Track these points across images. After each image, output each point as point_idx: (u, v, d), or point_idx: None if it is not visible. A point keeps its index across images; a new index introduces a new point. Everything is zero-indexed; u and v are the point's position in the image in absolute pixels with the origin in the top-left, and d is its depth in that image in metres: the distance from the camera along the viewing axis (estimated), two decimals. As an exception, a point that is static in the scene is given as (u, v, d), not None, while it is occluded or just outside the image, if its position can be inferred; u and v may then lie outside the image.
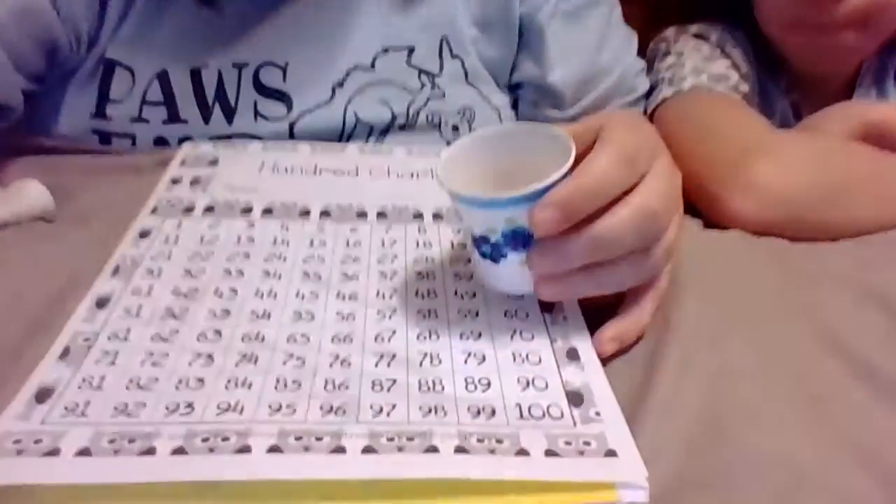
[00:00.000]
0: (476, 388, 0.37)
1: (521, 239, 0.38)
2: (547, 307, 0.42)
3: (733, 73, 0.69)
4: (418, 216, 0.51)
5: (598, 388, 0.37)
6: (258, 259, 0.46)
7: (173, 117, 0.60)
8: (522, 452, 0.33)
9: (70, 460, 0.31)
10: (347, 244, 0.48)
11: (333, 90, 0.62)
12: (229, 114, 0.61)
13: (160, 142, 0.60)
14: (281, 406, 0.35)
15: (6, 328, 0.40)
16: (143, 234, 0.47)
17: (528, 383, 0.37)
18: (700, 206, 0.56)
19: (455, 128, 0.65)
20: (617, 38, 0.69)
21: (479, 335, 0.40)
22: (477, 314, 0.42)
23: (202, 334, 0.39)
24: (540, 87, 0.67)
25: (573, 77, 0.66)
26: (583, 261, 0.37)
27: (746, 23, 0.72)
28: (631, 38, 0.71)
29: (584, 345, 0.40)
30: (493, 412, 0.35)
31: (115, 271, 0.44)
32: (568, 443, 0.33)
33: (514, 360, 0.39)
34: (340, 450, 0.32)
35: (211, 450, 0.32)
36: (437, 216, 0.51)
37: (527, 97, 0.68)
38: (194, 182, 0.53)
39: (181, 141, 0.60)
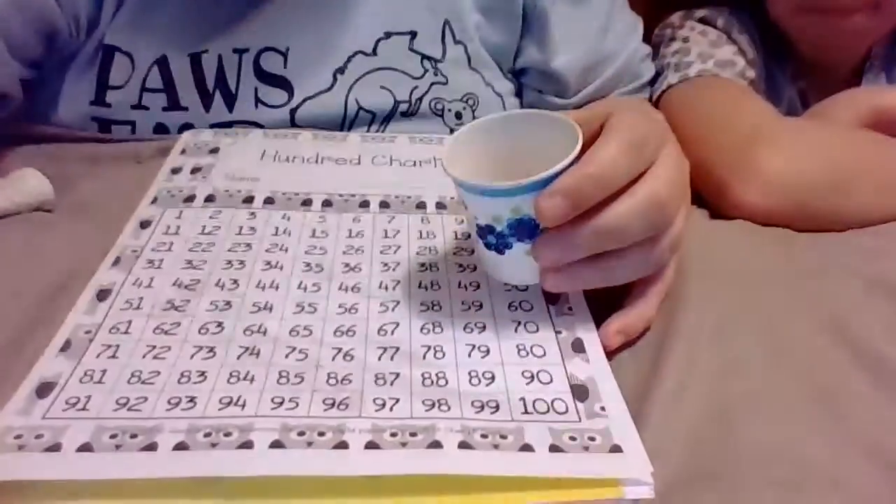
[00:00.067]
0: (480, 381, 0.36)
1: (526, 228, 0.38)
2: (551, 298, 0.42)
3: (740, 58, 0.68)
4: (421, 206, 0.50)
5: (604, 382, 0.37)
6: (260, 250, 0.45)
7: (173, 104, 0.60)
8: (527, 448, 0.32)
9: (71, 456, 0.31)
10: (350, 234, 0.47)
11: (335, 76, 0.61)
12: (230, 100, 0.60)
13: (160, 129, 0.60)
14: (283, 400, 0.34)
15: (6, 321, 0.39)
16: (144, 225, 0.47)
17: (532, 377, 0.37)
18: (706, 193, 0.55)
19: (458, 115, 0.64)
20: (621, 24, 0.68)
21: (483, 327, 0.40)
22: (481, 306, 0.41)
23: (204, 327, 0.39)
24: (544, 74, 0.66)
25: (577, 63, 0.65)
26: (589, 251, 0.37)
27: (753, 8, 0.71)
28: (636, 23, 0.70)
29: (590, 336, 0.40)
30: (497, 406, 0.35)
31: (116, 262, 0.43)
32: (573, 438, 0.33)
33: (519, 352, 0.38)
34: (343, 445, 0.32)
35: (213, 445, 0.32)
36: (440, 206, 0.50)
37: (531, 84, 0.68)
38: (195, 171, 0.53)
39: (181, 128, 0.59)
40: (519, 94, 0.68)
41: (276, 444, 0.32)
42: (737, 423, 0.36)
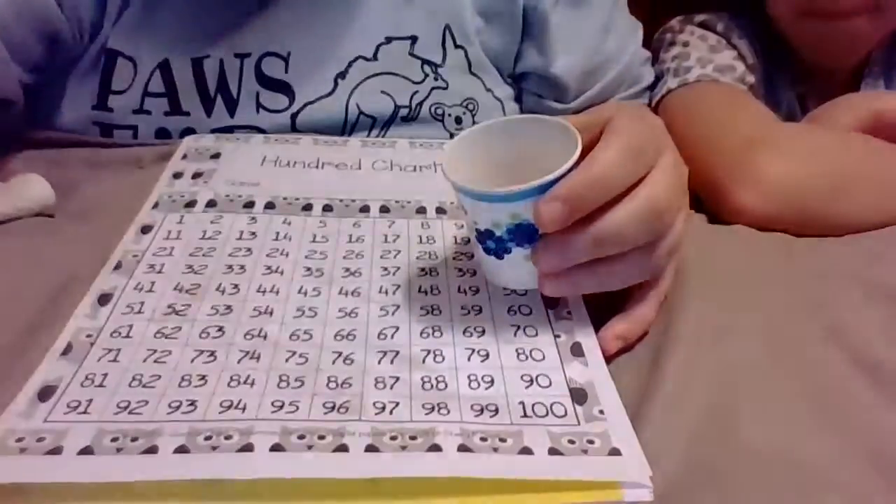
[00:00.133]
0: (479, 385, 0.36)
1: (526, 234, 0.38)
2: (550, 303, 0.42)
3: (739, 63, 0.68)
4: (421, 211, 0.51)
5: (603, 386, 0.37)
6: (260, 254, 0.45)
7: (175, 109, 0.60)
8: (526, 451, 0.32)
9: (73, 459, 0.31)
10: (350, 239, 0.47)
11: (336, 81, 0.62)
12: (231, 105, 0.60)
13: (162, 133, 0.60)
14: (283, 404, 0.35)
15: (7, 325, 0.40)
16: (145, 230, 0.47)
17: (531, 380, 0.37)
18: (705, 198, 0.56)
19: (458, 120, 0.64)
20: (621, 28, 0.68)
21: (483, 332, 0.40)
22: (480, 310, 0.42)
23: (205, 331, 0.39)
24: (544, 78, 0.66)
25: (577, 67, 0.66)
26: (588, 256, 0.37)
27: (753, 13, 0.71)
28: (636, 27, 0.70)
29: (589, 340, 0.40)
30: (497, 410, 0.35)
31: (117, 267, 0.44)
32: (572, 441, 0.33)
33: (518, 356, 0.38)
34: (343, 448, 0.32)
35: (213, 448, 0.32)
36: (440, 211, 0.51)
37: (531, 88, 0.68)
38: (196, 176, 0.53)
39: (183, 133, 0.60)
40: (518, 99, 0.68)
41: (277, 448, 0.32)
42: (735, 425, 0.36)
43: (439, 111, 0.64)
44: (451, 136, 0.64)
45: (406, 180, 0.54)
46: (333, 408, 0.34)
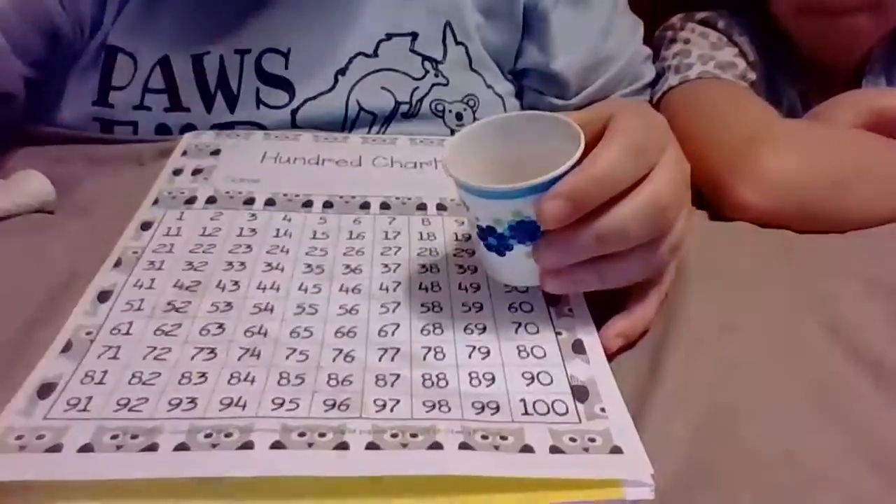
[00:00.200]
0: (480, 382, 0.36)
1: (527, 231, 0.38)
2: (552, 300, 0.42)
3: (741, 60, 0.68)
4: (422, 207, 0.50)
5: (604, 383, 0.37)
6: (260, 251, 0.45)
7: (175, 105, 0.60)
8: (527, 449, 0.32)
9: (72, 456, 0.31)
10: (350, 236, 0.47)
11: (336, 77, 0.62)
12: (231, 101, 0.60)
13: (162, 129, 0.60)
14: (284, 401, 0.35)
15: (7, 321, 0.39)
16: (145, 226, 0.47)
17: (532, 378, 0.37)
18: (707, 195, 0.55)
19: (459, 116, 0.64)
20: (622, 25, 0.68)
21: (484, 328, 0.40)
22: (481, 307, 0.41)
23: (205, 328, 0.39)
24: (544, 75, 0.66)
25: (578, 64, 0.66)
26: (590, 254, 0.37)
27: (754, 10, 0.71)
28: (637, 25, 0.70)
29: (590, 338, 0.40)
30: (498, 408, 0.35)
31: (117, 264, 0.44)
32: (573, 439, 0.33)
33: (519, 354, 0.38)
34: (344, 446, 0.32)
35: (214, 445, 0.32)
36: (440, 207, 0.50)
37: (531, 85, 0.68)
38: (196, 173, 0.53)
39: (183, 129, 0.60)
40: (519, 95, 0.68)
41: (277, 445, 0.32)
42: (737, 423, 0.36)
43: (440, 107, 0.64)
44: (452, 132, 0.64)
45: (407, 177, 0.54)
46: (334, 405, 0.34)
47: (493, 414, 0.34)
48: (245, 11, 0.60)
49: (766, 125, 0.57)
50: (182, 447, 0.32)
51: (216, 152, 0.55)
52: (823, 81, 0.71)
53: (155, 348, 0.38)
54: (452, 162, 0.39)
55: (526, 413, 0.35)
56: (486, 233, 0.39)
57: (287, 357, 0.37)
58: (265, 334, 0.39)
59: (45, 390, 0.35)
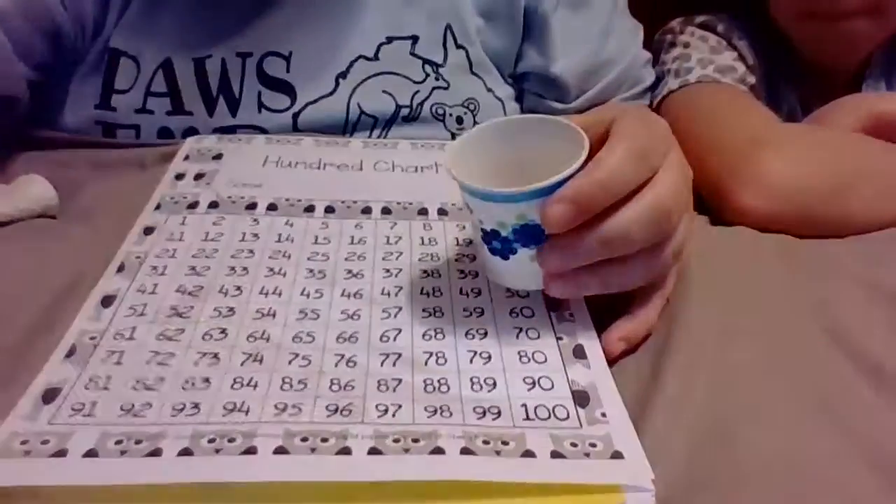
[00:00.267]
0: (482, 387, 0.37)
1: (531, 234, 0.38)
2: (553, 305, 0.42)
3: (740, 64, 0.68)
4: (423, 212, 0.51)
5: (605, 388, 0.37)
6: (263, 256, 0.45)
7: (177, 108, 0.60)
8: (528, 454, 0.33)
9: (77, 461, 0.32)
10: (352, 241, 0.47)
11: (337, 81, 0.62)
12: (233, 105, 0.61)
13: (164, 133, 0.60)
14: (286, 406, 0.35)
15: (11, 326, 0.40)
16: (148, 231, 0.47)
17: (534, 383, 0.37)
18: (707, 199, 0.56)
19: (459, 120, 0.64)
20: (622, 30, 0.68)
21: (485, 334, 0.40)
22: (482, 312, 0.42)
23: (208, 333, 0.39)
24: (544, 78, 0.66)
25: (578, 67, 0.66)
26: (594, 258, 0.37)
27: (754, 14, 0.71)
28: (637, 28, 0.70)
29: (591, 342, 0.40)
30: (499, 413, 0.35)
31: (120, 269, 0.44)
32: (574, 444, 0.33)
33: (520, 359, 0.39)
34: (346, 451, 0.32)
35: (217, 451, 0.32)
36: (441, 212, 0.51)
37: (531, 88, 0.68)
38: (198, 177, 0.53)
39: (185, 132, 0.60)
40: (519, 98, 0.68)
41: (280, 450, 0.32)
42: (738, 428, 0.36)
43: (440, 111, 0.64)
44: (453, 135, 0.64)
45: (408, 181, 0.54)
46: (336, 410, 0.35)
47: (494, 419, 0.35)
48: (246, 14, 0.60)
49: (766, 129, 0.57)
50: (186, 452, 0.32)
51: (218, 157, 0.55)
52: (823, 85, 0.71)
53: (158, 353, 0.38)
54: (455, 165, 0.39)
55: (527, 418, 0.35)
56: (489, 236, 0.39)
57: (289, 362, 0.38)
58: (268, 339, 0.39)
59: (50, 395, 0.35)
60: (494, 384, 0.37)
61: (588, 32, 0.67)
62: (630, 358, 0.40)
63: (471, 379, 0.37)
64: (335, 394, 0.36)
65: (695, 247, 0.45)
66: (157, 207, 0.50)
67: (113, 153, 0.57)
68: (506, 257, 0.39)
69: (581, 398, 0.36)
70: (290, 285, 0.43)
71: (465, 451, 0.32)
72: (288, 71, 0.61)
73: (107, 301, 0.41)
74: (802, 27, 0.69)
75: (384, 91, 0.63)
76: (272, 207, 0.50)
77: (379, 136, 0.62)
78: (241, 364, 0.37)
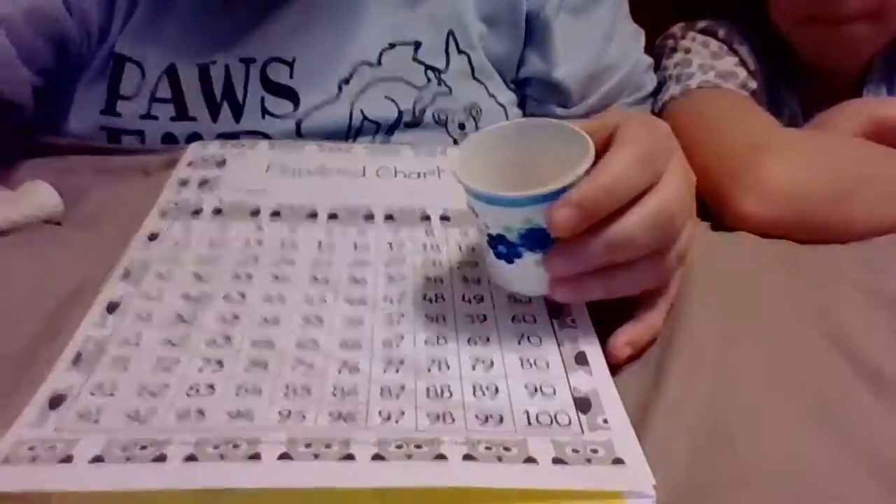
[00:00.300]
0: (484, 394, 0.37)
1: (538, 239, 0.38)
2: (554, 311, 0.42)
3: (741, 70, 0.69)
4: (426, 218, 0.51)
5: (606, 395, 0.37)
6: (266, 263, 0.46)
7: (182, 114, 0.61)
8: (530, 460, 0.33)
9: (83, 467, 0.32)
10: (355, 247, 0.48)
11: (340, 86, 0.62)
12: (237, 111, 0.61)
13: (168, 138, 0.61)
14: (290, 413, 0.35)
15: (17, 333, 0.40)
16: (152, 237, 0.48)
17: (536, 389, 0.37)
18: (708, 205, 0.56)
19: (461, 126, 0.65)
20: (624, 35, 0.69)
21: (488, 340, 0.40)
22: (485, 318, 0.42)
23: (212, 340, 0.39)
24: (546, 83, 0.67)
25: (580, 73, 0.66)
26: (601, 262, 0.38)
27: (755, 19, 0.71)
28: (638, 34, 0.70)
29: (593, 349, 0.40)
30: (501, 419, 0.35)
31: (125, 275, 0.44)
32: (575, 450, 0.33)
33: (522, 365, 0.39)
34: (349, 457, 0.33)
35: (222, 457, 0.32)
36: (444, 218, 0.51)
37: (533, 94, 0.68)
38: (202, 184, 0.53)
39: (189, 138, 0.60)
40: (521, 104, 0.69)
41: (284, 456, 0.32)
42: (738, 435, 0.36)
43: (443, 116, 0.64)
44: (455, 141, 0.64)
45: (410, 187, 0.54)
46: (339, 417, 0.35)
47: (496, 425, 0.35)
48: (250, 21, 0.61)
49: (767, 134, 0.58)
50: (191, 458, 0.32)
51: (222, 163, 0.56)
52: (824, 90, 0.72)
53: (163, 360, 0.38)
54: (461, 169, 0.39)
55: (529, 424, 0.35)
56: (495, 240, 0.39)
57: (293, 368, 0.38)
58: (272, 346, 0.39)
59: (56, 402, 0.35)
60: (497, 391, 0.37)
61: (590, 38, 0.67)
62: (631, 364, 0.40)
63: (473, 385, 0.37)
64: (338, 400, 0.36)
65: (696, 252, 0.46)
66: (162, 214, 0.50)
67: (117, 160, 0.58)
68: (511, 261, 0.39)
69: (583, 405, 0.36)
70: (294, 292, 0.43)
71: (468, 457, 0.33)
72: (291, 77, 0.61)
73: (112, 307, 0.41)
74: (803, 32, 0.69)
75: (387, 97, 0.63)
76: (276, 214, 0.51)
77: (382, 142, 0.63)
78: (245, 370, 0.38)
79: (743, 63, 0.69)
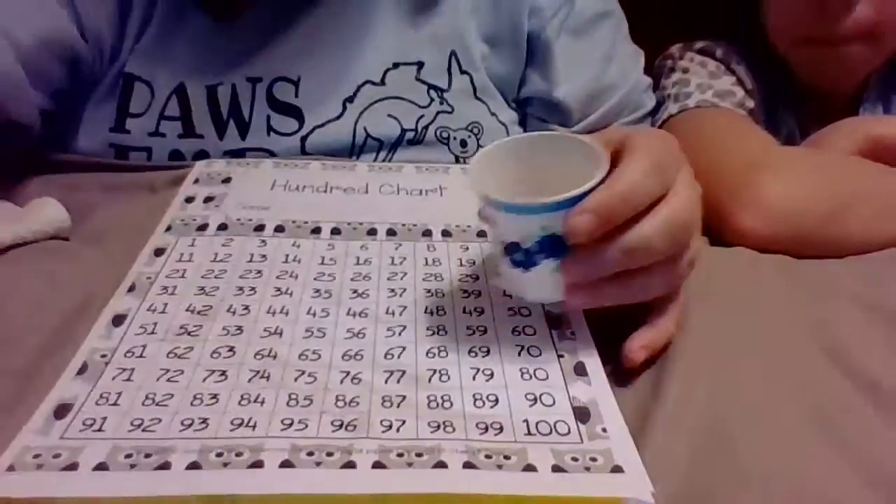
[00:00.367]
0: (484, 404, 0.37)
1: (554, 246, 0.39)
2: (554, 323, 0.43)
3: (739, 89, 0.70)
4: (427, 234, 0.52)
5: (605, 404, 0.37)
6: (270, 276, 0.46)
7: (189, 131, 0.61)
8: (530, 468, 0.33)
9: (88, 474, 0.32)
10: (358, 261, 0.48)
11: (344, 105, 0.63)
12: (243, 128, 0.62)
13: (175, 155, 0.61)
14: (293, 421, 0.35)
15: (25, 345, 0.40)
16: (158, 252, 0.48)
17: (535, 399, 0.38)
18: (707, 221, 0.56)
19: (463, 143, 0.66)
20: (624, 56, 0.70)
21: (488, 351, 0.41)
22: (485, 331, 0.42)
23: (216, 351, 0.40)
24: (547, 103, 0.68)
25: (580, 92, 0.67)
26: (617, 268, 0.38)
27: (752, 40, 0.72)
28: (638, 55, 0.71)
29: (592, 360, 0.41)
30: (501, 428, 0.36)
31: (131, 289, 0.45)
32: (575, 459, 0.34)
33: (522, 375, 0.39)
34: (351, 465, 0.33)
35: (225, 464, 0.33)
36: (445, 233, 0.52)
37: (534, 112, 0.69)
38: (208, 200, 0.54)
39: (196, 155, 0.61)
40: (522, 122, 0.70)
41: (286, 464, 0.33)
42: (736, 444, 0.36)
43: (444, 134, 0.65)
44: (457, 158, 0.65)
45: (412, 204, 0.55)
46: (341, 425, 0.35)
47: (496, 434, 0.35)
48: (258, 42, 0.62)
49: (764, 152, 0.58)
50: (194, 466, 0.33)
51: (227, 180, 0.57)
52: (821, 109, 0.72)
53: (168, 370, 0.39)
54: (478, 178, 0.40)
55: (529, 433, 0.35)
56: (512, 248, 0.40)
57: (296, 379, 0.38)
58: (275, 357, 0.40)
59: (62, 411, 0.36)
60: (497, 400, 0.37)
61: (590, 58, 0.68)
62: (630, 375, 0.41)
63: (473, 395, 0.38)
64: (341, 409, 0.36)
65: (695, 267, 0.46)
66: (168, 229, 0.51)
67: (124, 177, 0.59)
68: (527, 269, 0.40)
69: (582, 414, 0.37)
70: (297, 305, 0.44)
71: (468, 465, 0.33)
72: (297, 96, 0.62)
73: (118, 320, 0.42)
74: (800, 52, 0.70)
75: (390, 115, 0.64)
76: (280, 229, 0.51)
77: (384, 159, 0.64)
78: (249, 381, 0.38)
79: (740, 82, 0.70)
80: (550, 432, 0.35)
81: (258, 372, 0.39)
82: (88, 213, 0.53)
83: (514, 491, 0.32)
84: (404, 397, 0.37)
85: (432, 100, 0.65)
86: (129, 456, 0.33)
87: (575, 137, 0.42)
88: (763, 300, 0.48)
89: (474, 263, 0.48)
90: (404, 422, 0.36)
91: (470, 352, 0.41)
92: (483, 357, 0.40)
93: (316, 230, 0.51)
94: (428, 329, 0.42)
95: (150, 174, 0.59)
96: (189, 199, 0.54)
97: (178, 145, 0.61)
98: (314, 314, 0.43)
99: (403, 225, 0.52)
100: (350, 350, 0.40)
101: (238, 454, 0.33)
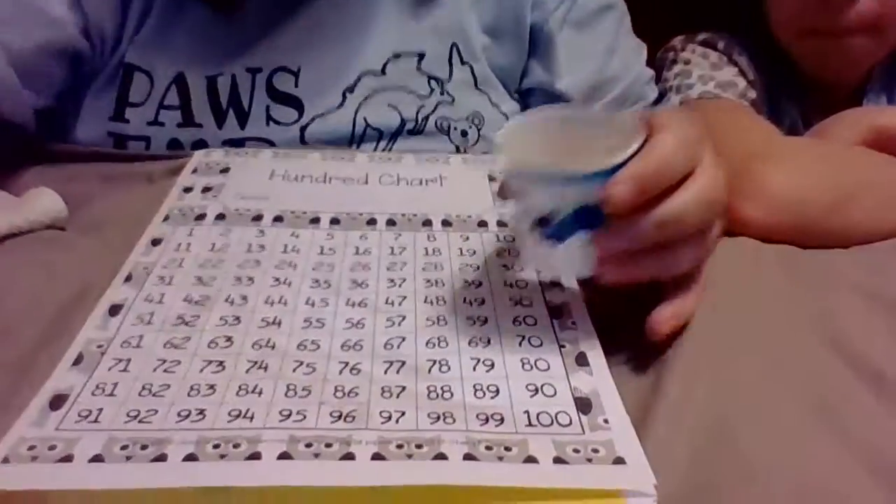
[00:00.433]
0: (485, 394, 0.37)
1: (588, 217, 0.38)
2: (555, 313, 0.42)
3: (741, 80, 0.69)
4: (427, 224, 0.51)
5: (607, 395, 0.37)
6: (269, 266, 0.46)
7: (188, 121, 0.61)
8: (531, 460, 0.33)
9: (83, 466, 0.32)
10: (357, 251, 0.48)
11: (344, 95, 0.63)
12: (242, 118, 0.62)
13: (174, 144, 0.61)
14: (291, 413, 0.35)
15: (21, 335, 0.40)
16: (155, 242, 0.48)
17: (536, 390, 0.37)
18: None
19: (464, 133, 0.65)
20: (626, 48, 0.69)
21: (488, 342, 0.40)
22: (486, 321, 0.42)
23: (213, 341, 0.40)
24: (549, 94, 0.67)
25: (582, 84, 0.67)
26: (651, 240, 0.38)
27: (754, 31, 0.72)
28: (640, 47, 0.71)
29: (593, 350, 0.40)
30: (502, 419, 0.35)
31: (128, 279, 0.44)
32: (576, 450, 0.33)
33: (523, 366, 0.39)
34: (350, 456, 0.32)
35: (222, 456, 0.32)
36: (445, 223, 0.51)
37: (536, 104, 0.69)
38: (206, 190, 0.54)
39: (194, 144, 0.61)
40: (525, 113, 0.69)
41: (284, 456, 0.32)
42: (739, 435, 0.36)
43: (445, 124, 0.65)
44: (457, 148, 0.65)
45: (412, 194, 0.55)
46: (340, 417, 0.35)
47: (497, 425, 0.35)
48: (258, 33, 0.62)
49: (767, 142, 0.58)
50: (191, 458, 0.32)
51: (226, 170, 0.56)
52: (824, 100, 0.72)
53: (164, 361, 0.38)
54: (508, 150, 0.39)
55: (530, 424, 0.35)
56: (544, 220, 0.39)
57: (294, 369, 0.38)
58: (273, 347, 0.39)
59: (57, 402, 0.35)
60: (497, 391, 0.37)
61: (593, 50, 0.67)
62: (631, 365, 0.41)
63: (474, 386, 0.37)
64: (339, 400, 0.36)
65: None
66: (165, 219, 0.50)
67: (121, 167, 0.58)
68: (560, 241, 0.40)
69: (583, 405, 0.36)
70: (296, 295, 0.44)
71: (468, 456, 0.33)
72: (296, 86, 0.62)
73: (114, 310, 0.42)
74: (803, 44, 0.70)
75: (390, 105, 0.63)
76: (278, 219, 0.51)
77: (384, 149, 0.63)
78: (247, 371, 0.38)
79: (742, 73, 0.70)
80: (552, 423, 0.35)
81: (256, 362, 0.38)
82: (85, 203, 0.53)
83: (514, 482, 0.32)
84: (404, 388, 0.37)
85: (433, 90, 0.64)
86: (125, 447, 0.33)
87: (607, 115, 0.41)
88: (765, 290, 0.47)
89: (475, 253, 0.48)
90: (404, 413, 0.35)
91: (470, 342, 0.40)
92: (483, 347, 0.40)
93: (315, 220, 0.51)
94: (428, 319, 0.42)
95: (148, 164, 0.58)
96: (187, 189, 0.54)
97: (176, 134, 0.61)
98: (313, 304, 0.43)
99: (403, 215, 0.52)
100: (349, 340, 0.40)
101: (235, 445, 0.33)
